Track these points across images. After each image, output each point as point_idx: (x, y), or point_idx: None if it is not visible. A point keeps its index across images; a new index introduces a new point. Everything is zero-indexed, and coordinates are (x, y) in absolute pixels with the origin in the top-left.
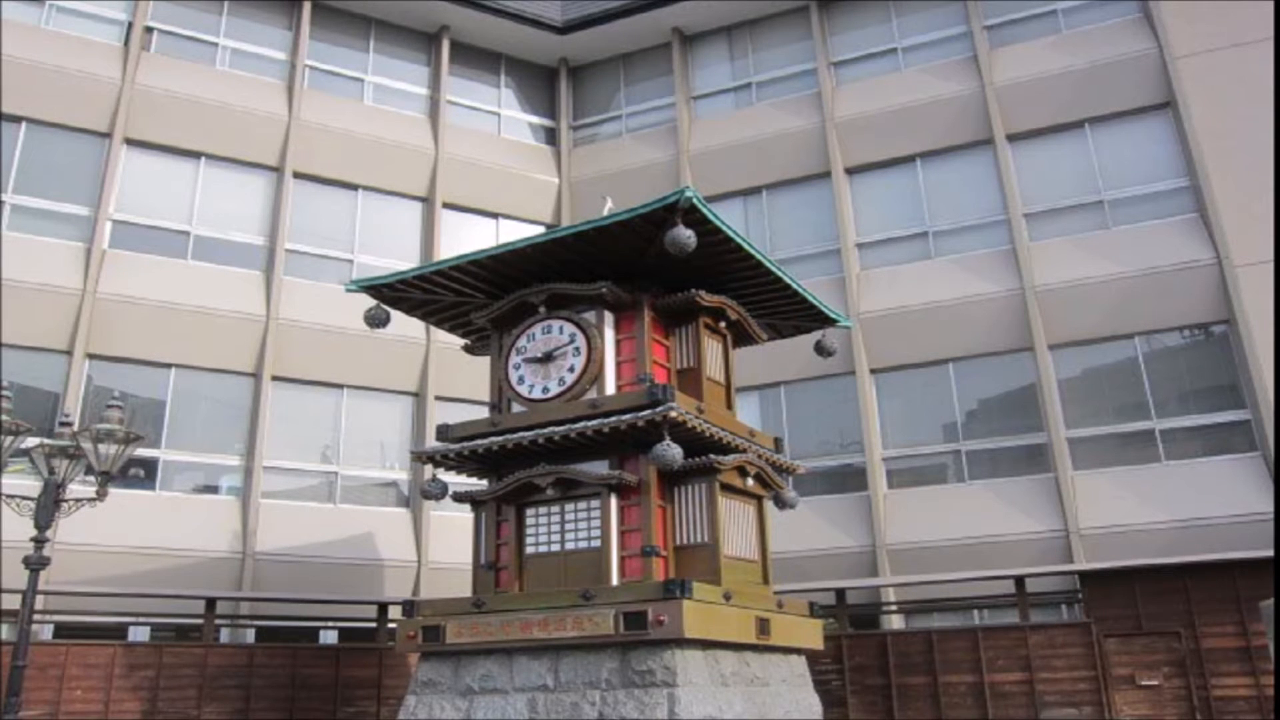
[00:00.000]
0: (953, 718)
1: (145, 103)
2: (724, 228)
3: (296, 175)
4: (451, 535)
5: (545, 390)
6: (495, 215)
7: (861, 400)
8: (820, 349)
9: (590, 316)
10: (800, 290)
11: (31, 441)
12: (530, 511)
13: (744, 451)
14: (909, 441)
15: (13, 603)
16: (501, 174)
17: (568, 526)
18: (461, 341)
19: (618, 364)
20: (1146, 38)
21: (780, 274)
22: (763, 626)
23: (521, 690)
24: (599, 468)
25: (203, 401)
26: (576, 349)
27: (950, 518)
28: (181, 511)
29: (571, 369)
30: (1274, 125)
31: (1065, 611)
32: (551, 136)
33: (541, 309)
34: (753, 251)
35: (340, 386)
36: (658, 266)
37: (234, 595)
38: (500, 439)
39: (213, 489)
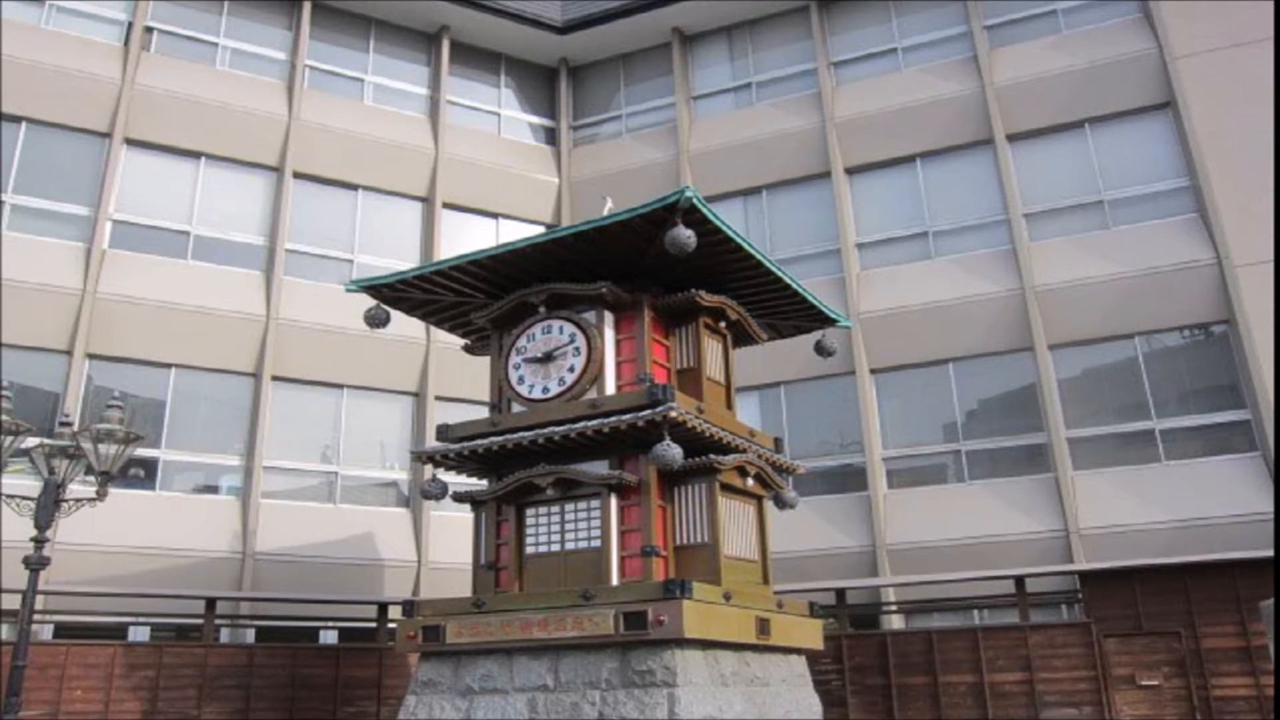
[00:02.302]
0: (953, 718)
1: (145, 103)
2: (724, 228)
3: (296, 175)
4: (451, 535)
5: (545, 390)
6: (495, 215)
7: (861, 400)
8: (820, 349)
9: (590, 316)
10: (800, 290)
11: (31, 441)
12: (530, 511)
13: (744, 451)
14: (909, 441)
15: (13, 603)
16: (501, 174)
17: (568, 526)
18: (461, 341)
19: (618, 364)
20: (1146, 38)
21: (780, 274)
22: (763, 626)
23: (521, 690)
24: (599, 468)
25: (203, 401)
26: (576, 349)
27: (950, 518)
28: (181, 511)
29: (571, 369)
30: (1274, 125)
31: (1065, 611)
32: (551, 136)
33: (541, 309)
34: (753, 251)
35: (340, 386)
36: (658, 266)
37: (234, 595)
38: (500, 439)
39: (213, 489)
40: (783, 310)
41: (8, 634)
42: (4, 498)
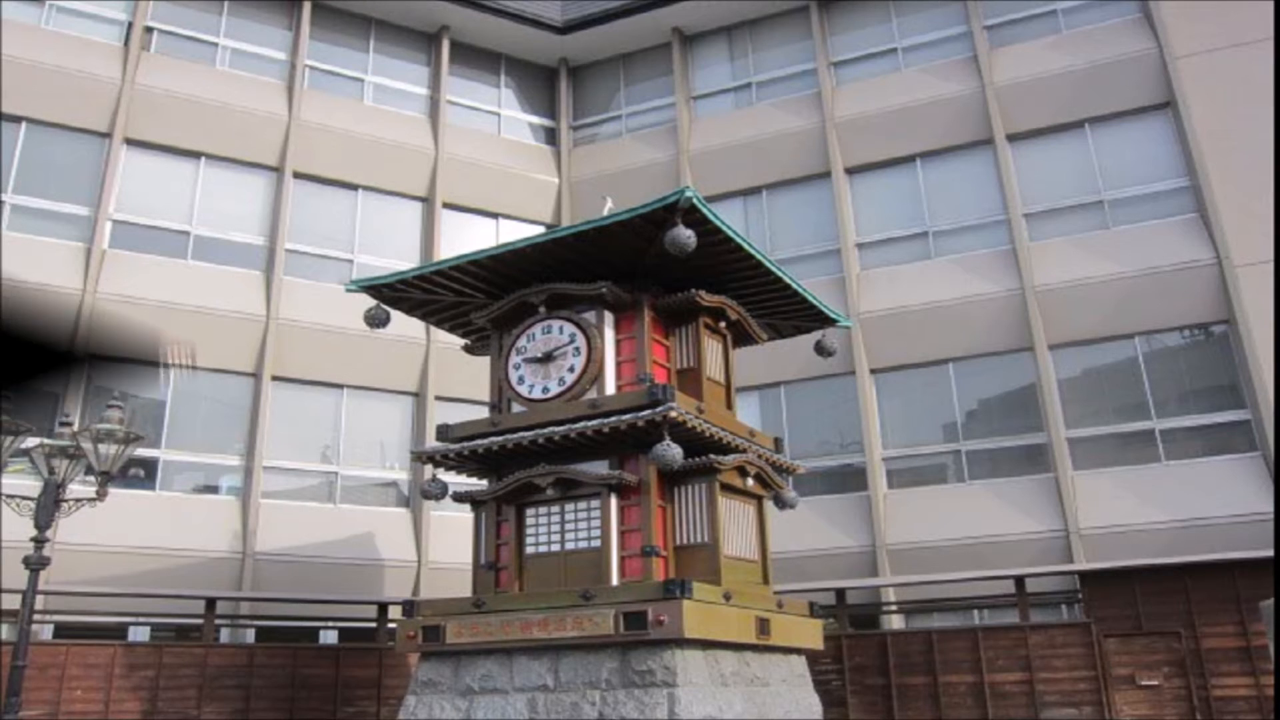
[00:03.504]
0: (953, 718)
1: (145, 103)
2: (724, 228)
3: (296, 175)
4: (451, 535)
5: (545, 390)
6: (495, 215)
7: (861, 400)
8: (820, 349)
9: (590, 316)
10: (800, 290)
11: (31, 441)
12: (530, 511)
13: (744, 451)
14: (909, 441)
15: (13, 603)
16: (501, 174)
17: (568, 526)
18: (461, 341)
19: (618, 364)
20: (1146, 38)
21: (780, 274)
22: (763, 626)
23: (521, 690)
24: (599, 468)
25: (203, 401)
26: (576, 349)
27: (950, 518)
28: (181, 511)
29: (571, 369)
30: (1274, 125)
31: (1065, 611)
32: (551, 136)
33: (541, 309)
34: (753, 251)
35: (340, 386)
36: (658, 266)
37: (234, 595)
38: (500, 439)
39: (213, 489)
40: (783, 310)
41: (8, 634)
42: (4, 498)
